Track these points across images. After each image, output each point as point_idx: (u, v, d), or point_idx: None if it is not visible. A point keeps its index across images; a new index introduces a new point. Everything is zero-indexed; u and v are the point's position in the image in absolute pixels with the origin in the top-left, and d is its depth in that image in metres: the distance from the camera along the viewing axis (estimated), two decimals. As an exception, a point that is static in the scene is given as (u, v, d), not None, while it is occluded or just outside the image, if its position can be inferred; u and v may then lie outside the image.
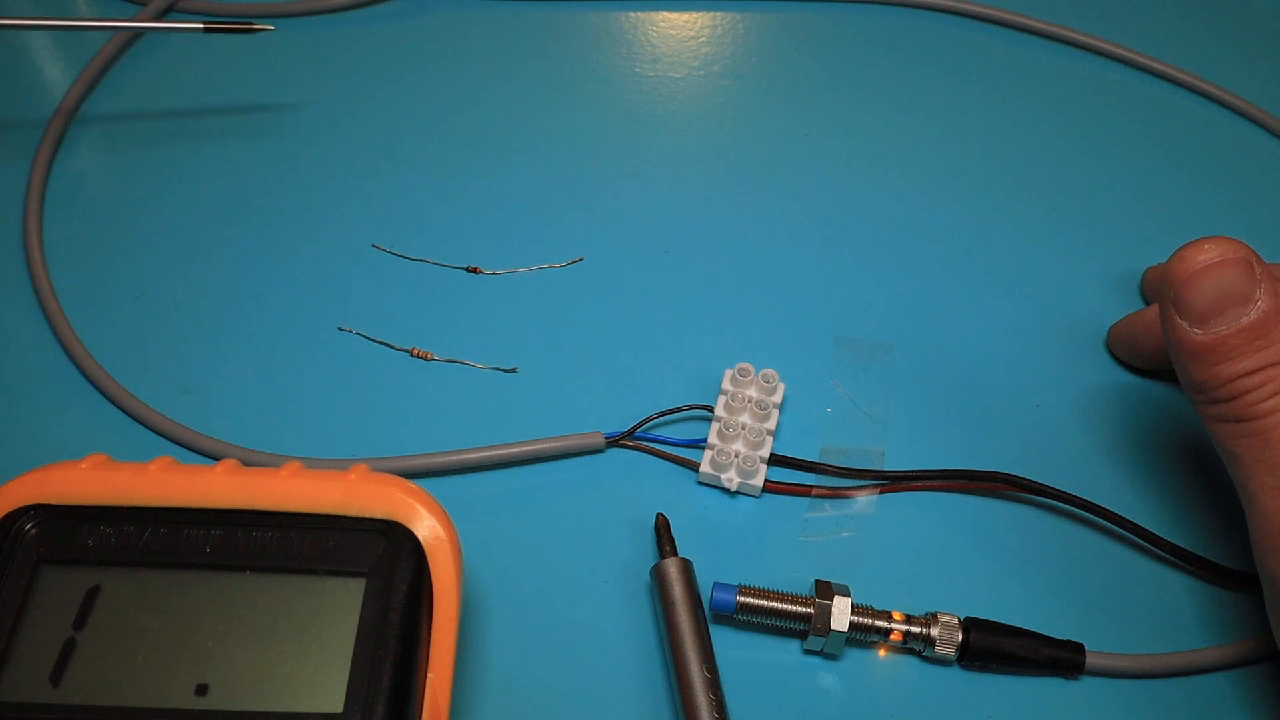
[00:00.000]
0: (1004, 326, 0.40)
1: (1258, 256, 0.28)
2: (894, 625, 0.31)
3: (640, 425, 0.35)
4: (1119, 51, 0.49)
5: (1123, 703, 0.32)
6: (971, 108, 0.47)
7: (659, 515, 0.33)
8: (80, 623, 0.24)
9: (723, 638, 0.32)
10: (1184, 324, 0.29)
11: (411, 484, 0.27)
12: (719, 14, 0.50)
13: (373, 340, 0.38)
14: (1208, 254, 0.28)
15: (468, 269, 0.40)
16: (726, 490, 0.35)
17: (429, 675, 0.25)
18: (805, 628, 0.31)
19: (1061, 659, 0.31)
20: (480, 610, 0.32)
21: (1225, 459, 0.30)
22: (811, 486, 0.35)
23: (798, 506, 0.35)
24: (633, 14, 0.49)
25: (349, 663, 0.24)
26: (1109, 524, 0.34)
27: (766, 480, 0.35)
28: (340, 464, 0.34)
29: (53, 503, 0.26)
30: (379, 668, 0.24)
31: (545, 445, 0.35)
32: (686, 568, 0.32)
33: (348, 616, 0.25)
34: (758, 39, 0.49)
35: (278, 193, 0.42)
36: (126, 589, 0.25)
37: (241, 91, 0.45)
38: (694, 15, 0.50)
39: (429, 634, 0.25)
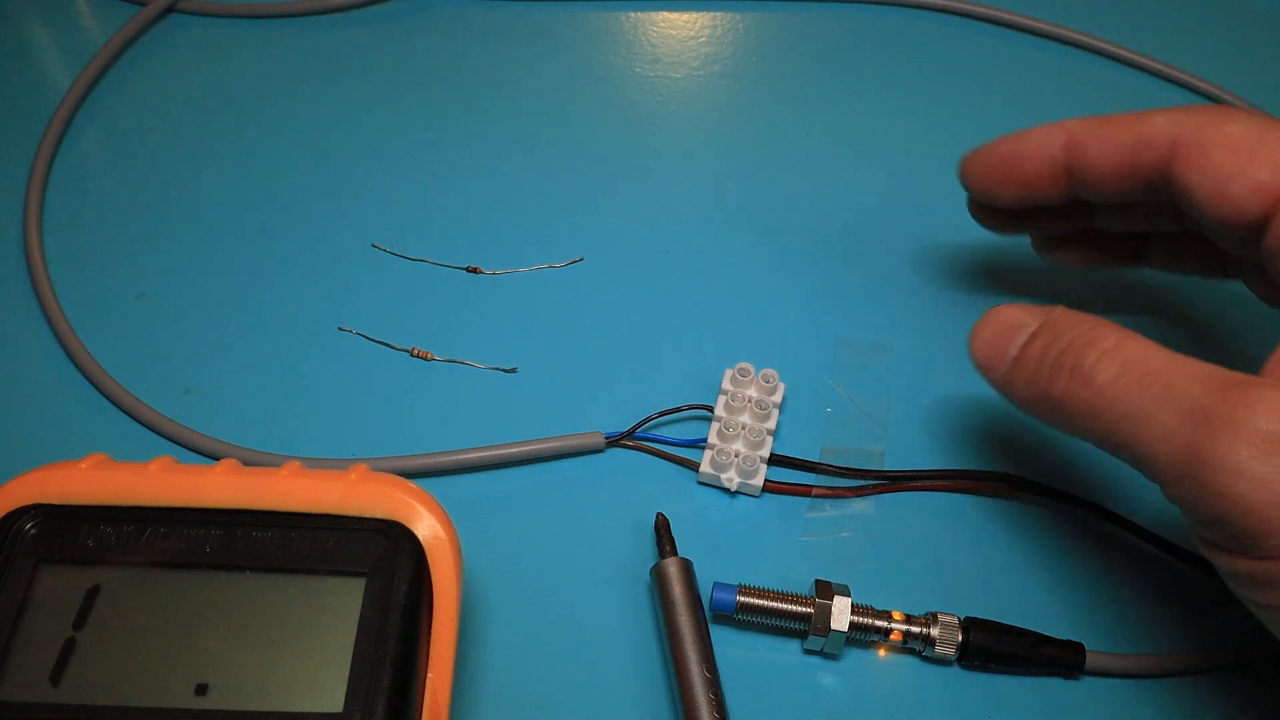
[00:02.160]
0: (1004, 326, 0.40)
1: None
2: (894, 625, 0.31)
3: (640, 425, 0.35)
4: (1119, 51, 0.49)
5: (1123, 703, 0.32)
6: (972, 108, 0.47)
7: (659, 515, 0.33)
8: (80, 623, 0.24)
9: (723, 638, 0.32)
10: (994, 379, 0.30)
11: (411, 484, 0.27)
12: (719, 14, 0.50)
13: (373, 340, 0.38)
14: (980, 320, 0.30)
15: (468, 269, 0.40)
16: (726, 490, 0.35)
17: (429, 675, 0.25)
18: (805, 628, 0.31)
19: (1061, 659, 0.31)
20: (480, 610, 0.32)
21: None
22: (811, 486, 0.35)
23: (798, 506, 0.35)
24: (633, 14, 0.49)
25: (349, 663, 0.24)
26: (1109, 524, 0.34)
27: (766, 480, 0.35)
28: (340, 464, 0.34)
29: (53, 503, 0.26)
30: (379, 668, 0.24)
31: (545, 445, 0.35)
32: (686, 568, 0.32)
33: (348, 616, 0.25)
34: (758, 39, 0.49)
35: (278, 193, 0.42)
36: (126, 589, 0.25)
37: (241, 92, 0.45)
38: (694, 15, 0.50)
39: (429, 634, 0.25)
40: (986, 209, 0.35)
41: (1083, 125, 0.31)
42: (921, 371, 0.38)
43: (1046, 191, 0.32)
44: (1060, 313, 0.29)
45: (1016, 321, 0.29)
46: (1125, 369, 0.26)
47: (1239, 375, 0.25)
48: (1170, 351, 0.26)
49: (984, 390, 0.38)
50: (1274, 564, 0.23)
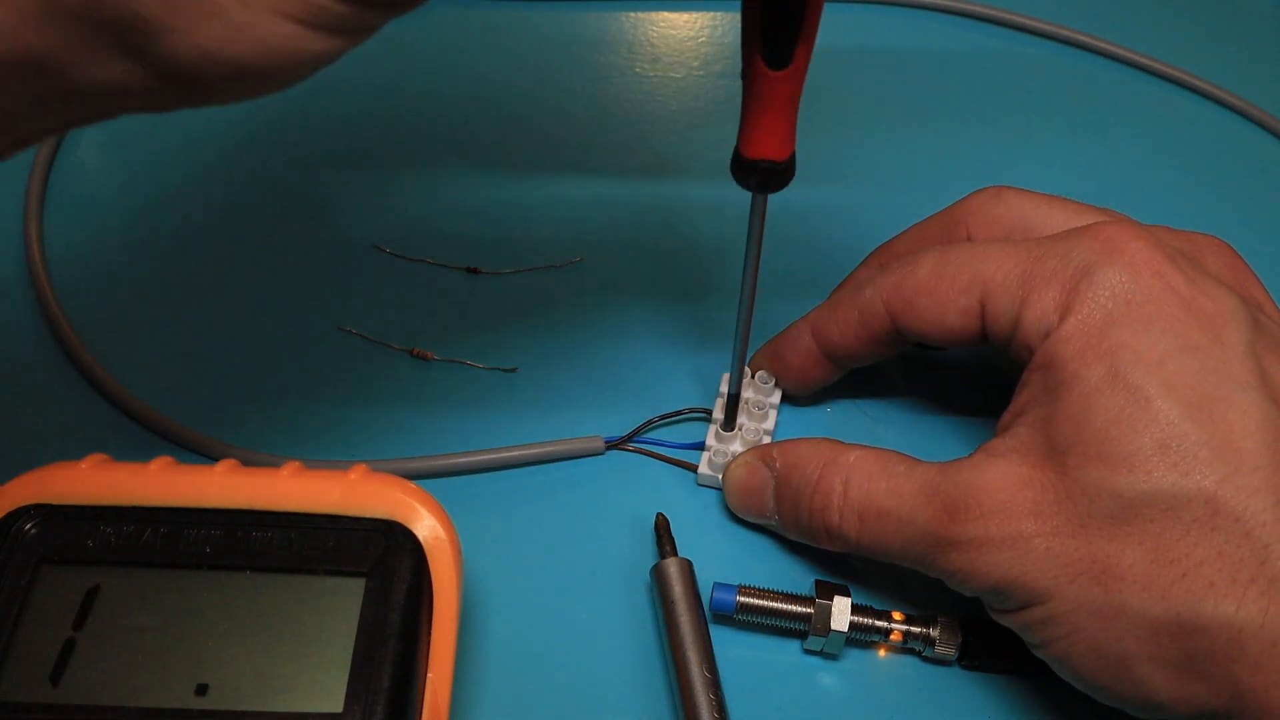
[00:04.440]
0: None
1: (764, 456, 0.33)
2: (894, 625, 0.31)
3: (638, 431, 0.35)
4: (1119, 51, 0.49)
5: (1123, 703, 0.32)
6: (970, 108, 0.47)
7: (659, 515, 0.33)
8: (80, 623, 0.24)
9: (723, 638, 0.32)
10: (773, 528, 0.33)
11: (411, 484, 0.27)
12: (719, 14, 0.50)
13: (373, 340, 0.38)
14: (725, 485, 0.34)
15: (468, 269, 0.40)
16: (726, 490, 0.35)
17: (429, 675, 0.25)
18: (805, 628, 0.31)
19: (1061, 659, 0.31)
20: (480, 610, 0.32)
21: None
22: (811, 486, 0.35)
23: (798, 506, 0.35)
24: (633, 14, 0.49)
25: (349, 663, 0.24)
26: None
27: (766, 480, 0.35)
28: (340, 464, 0.34)
29: (53, 503, 0.26)
30: (379, 668, 0.24)
31: (544, 449, 0.35)
32: (686, 568, 0.32)
33: (348, 616, 0.25)
34: (758, 39, 0.49)
35: (278, 192, 0.42)
36: (126, 589, 0.25)
37: (241, 91, 0.45)
38: (694, 15, 0.50)
39: (429, 634, 0.25)
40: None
41: (819, 315, 0.34)
42: (922, 369, 0.38)
43: (820, 374, 0.35)
44: (782, 467, 0.32)
45: (757, 483, 0.32)
46: (863, 520, 0.30)
47: (949, 480, 0.28)
48: (889, 469, 0.30)
49: (984, 389, 0.38)
50: (1022, 614, 0.28)
